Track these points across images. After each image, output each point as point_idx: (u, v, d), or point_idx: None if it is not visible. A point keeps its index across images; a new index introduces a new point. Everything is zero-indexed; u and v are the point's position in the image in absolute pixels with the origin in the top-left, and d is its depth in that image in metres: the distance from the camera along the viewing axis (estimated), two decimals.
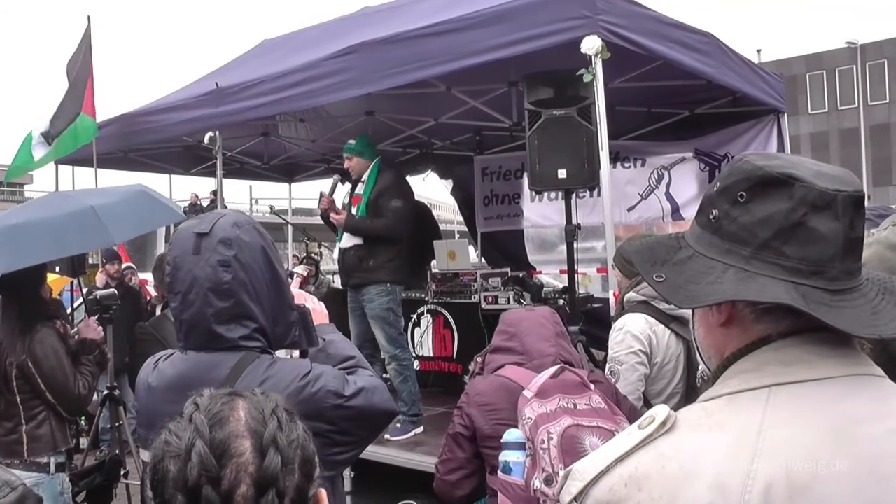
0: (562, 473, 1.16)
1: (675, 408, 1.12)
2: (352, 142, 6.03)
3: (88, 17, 7.03)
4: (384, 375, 6.28)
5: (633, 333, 3.55)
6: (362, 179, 5.88)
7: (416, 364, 7.41)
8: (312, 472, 1.13)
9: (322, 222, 6.26)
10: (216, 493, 1.04)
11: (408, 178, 7.06)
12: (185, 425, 1.09)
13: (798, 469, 0.99)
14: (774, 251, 1.08)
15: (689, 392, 3.59)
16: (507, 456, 2.69)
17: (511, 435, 2.71)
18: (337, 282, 8.88)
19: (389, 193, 5.80)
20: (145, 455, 1.82)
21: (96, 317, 4.50)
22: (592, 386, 2.85)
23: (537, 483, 2.58)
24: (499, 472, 2.71)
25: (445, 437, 3.07)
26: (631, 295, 3.64)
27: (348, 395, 1.85)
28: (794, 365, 1.08)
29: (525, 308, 3.34)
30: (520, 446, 2.68)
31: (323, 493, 1.16)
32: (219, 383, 1.72)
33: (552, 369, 2.81)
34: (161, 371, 1.88)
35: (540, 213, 8.74)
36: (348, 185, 6.20)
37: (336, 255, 6.05)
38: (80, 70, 6.97)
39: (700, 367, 3.45)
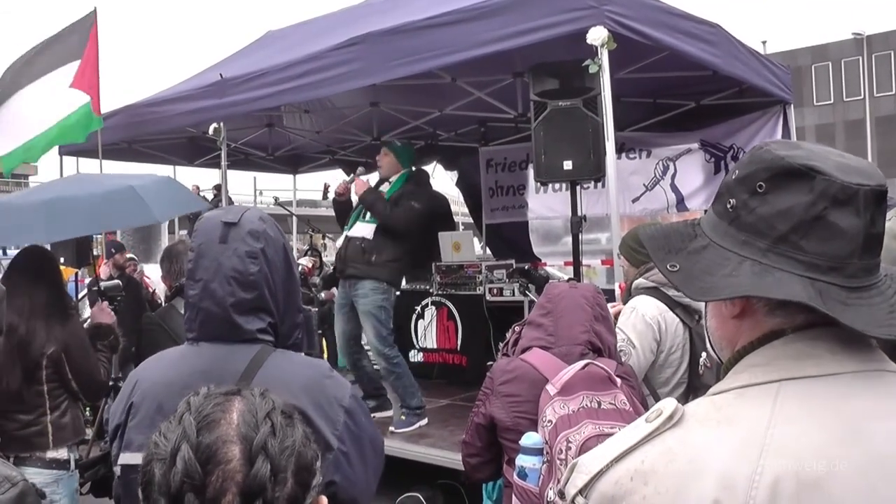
0: (567, 466, 1.14)
1: (681, 397, 1.10)
2: (397, 142, 6.02)
3: (95, 9, 6.96)
4: (375, 367, 6.20)
5: (645, 319, 3.52)
6: (389, 180, 5.84)
7: (419, 356, 7.41)
8: (309, 480, 1.07)
9: (327, 213, 6.24)
10: (199, 502, 0.99)
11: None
12: (174, 427, 1.04)
13: (807, 466, 0.97)
14: (792, 245, 1.05)
15: (693, 379, 3.58)
16: (523, 461, 2.64)
17: (529, 439, 2.65)
18: None
19: (411, 196, 5.77)
20: (127, 458, 1.77)
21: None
22: (619, 381, 2.77)
23: (551, 494, 2.53)
24: (514, 475, 2.67)
25: (470, 418, 3.06)
26: (640, 281, 3.62)
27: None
28: (804, 360, 1.06)
29: (570, 284, 3.26)
30: (537, 452, 2.62)
31: (324, 500, 1.11)
32: (237, 374, 1.71)
33: (579, 364, 2.73)
34: (173, 367, 1.84)
35: (545, 205, 8.73)
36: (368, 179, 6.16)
37: (339, 242, 6.00)
38: (59, 45, 6.72)
39: (702, 356, 3.45)
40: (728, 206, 1.12)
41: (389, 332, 5.81)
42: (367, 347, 6.07)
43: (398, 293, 6.18)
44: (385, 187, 5.83)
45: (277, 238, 1.87)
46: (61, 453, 3.70)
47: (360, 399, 1.86)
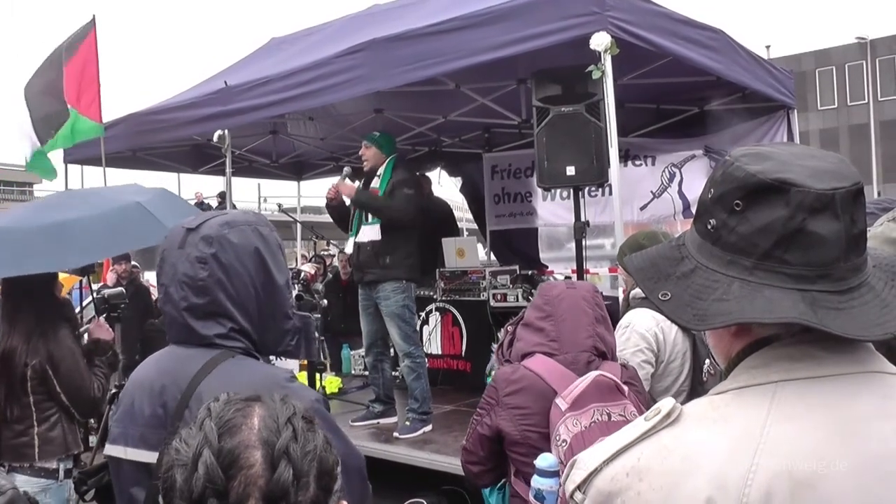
0: (568, 463, 1.15)
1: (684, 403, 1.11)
2: (375, 133, 6.02)
3: (94, 16, 7.00)
4: (395, 373, 6.28)
5: (639, 332, 3.50)
6: (378, 174, 5.83)
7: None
8: (331, 485, 1.08)
9: (330, 218, 6.25)
10: None
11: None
12: (195, 432, 1.05)
13: (801, 465, 0.98)
14: (777, 260, 1.06)
15: (696, 386, 3.57)
16: (540, 483, 2.57)
17: (545, 461, 2.58)
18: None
19: (405, 184, 5.76)
20: (108, 449, 1.81)
21: (104, 315, 4.48)
22: (626, 389, 2.74)
23: None
24: (531, 496, 2.60)
25: (471, 424, 3.00)
26: (636, 291, 3.61)
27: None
28: (801, 361, 1.07)
29: (566, 283, 3.21)
30: (553, 474, 2.55)
31: None
32: (190, 377, 1.71)
33: (588, 377, 2.68)
34: (150, 367, 1.88)
35: (552, 212, 8.72)
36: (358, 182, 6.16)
37: (347, 249, 6.01)
38: (56, 56, 6.88)
39: (706, 363, 3.44)
40: (709, 226, 1.12)
41: (414, 329, 5.89)
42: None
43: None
44: (376, 182, 5.81)
45: (243, 243, 1.81)
46: (50, 463, 3.66)
47: (325, 412, 1.78)
